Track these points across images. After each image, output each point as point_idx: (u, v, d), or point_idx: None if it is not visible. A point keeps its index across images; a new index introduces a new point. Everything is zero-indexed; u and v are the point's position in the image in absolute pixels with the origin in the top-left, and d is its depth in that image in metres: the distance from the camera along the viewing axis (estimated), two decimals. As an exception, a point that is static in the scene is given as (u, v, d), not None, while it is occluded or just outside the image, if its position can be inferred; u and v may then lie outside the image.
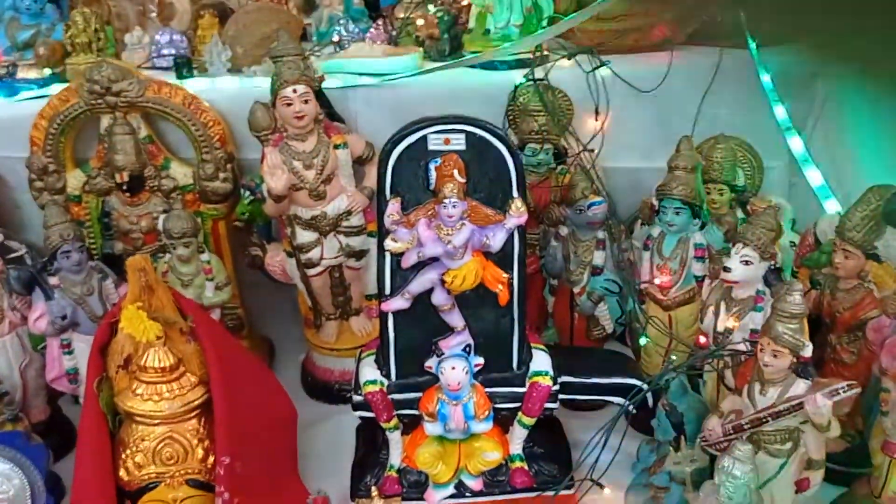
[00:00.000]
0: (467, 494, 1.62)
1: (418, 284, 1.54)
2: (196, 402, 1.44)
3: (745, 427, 1.33)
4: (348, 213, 1.86)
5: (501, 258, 1.54)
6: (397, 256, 1.53)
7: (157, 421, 1.42)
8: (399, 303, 1.55)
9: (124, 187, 1.88)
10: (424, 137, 1.46)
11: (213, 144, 1.90)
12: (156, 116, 1.92)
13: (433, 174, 1.48)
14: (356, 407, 1.61)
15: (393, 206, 1.49)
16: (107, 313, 1.54)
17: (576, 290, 1.84)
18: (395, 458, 1.63)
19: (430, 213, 1.49)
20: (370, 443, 1.70)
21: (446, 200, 1.45)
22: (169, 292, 1.48)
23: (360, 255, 1.92)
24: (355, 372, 1.66)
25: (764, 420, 1.31)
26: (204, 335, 1.49)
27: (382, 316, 1.58)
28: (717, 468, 1.29)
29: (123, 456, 1.43)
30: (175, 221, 1.75)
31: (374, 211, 1.91)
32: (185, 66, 2.09)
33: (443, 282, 1.51)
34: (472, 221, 1.49)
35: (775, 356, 1.31)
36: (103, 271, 1.76)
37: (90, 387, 1.46)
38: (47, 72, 2.11)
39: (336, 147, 1.83)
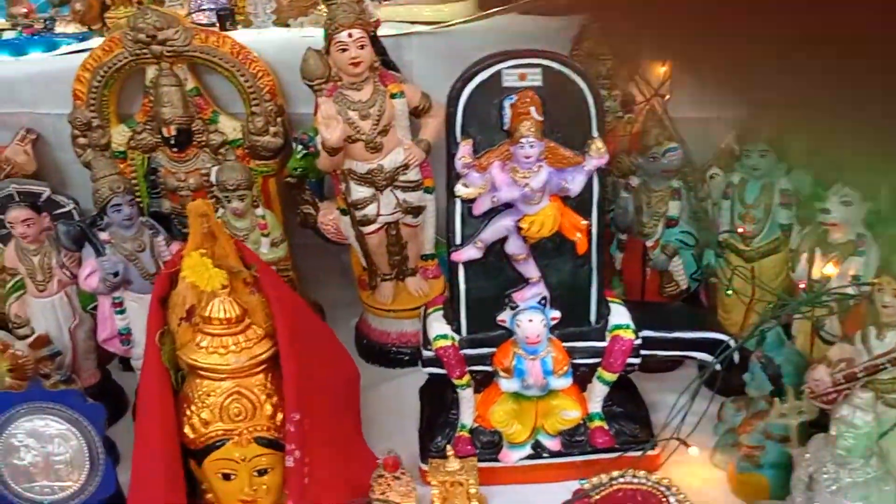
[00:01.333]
0: (545, 455, 1.54)
1: (492, 232, 1.45)
2: (263, 356, 1.36)
3: (860, 375, 1.24)
4: (405, 166, 1.78)
5: (579, 204, 1.46)
6: (468, 203, 1.45)
7: (223, 375, 1.34)
8: (471, 252, 1.47)
9: (172, 142, 1.80)
10: (498, 73, 1.38)
11: (263, 96, 1.82)
12: (203, 67, 1.83)
13: (507, 112, 1.39)
14: (426, 363, 1.52)
15: (464, 149, 1.41)
16: (166, 263, 1.47)
17: (649, 243, 1.75)
18: (467, 417, 1.55)
19: (504, 155, 1.41)
20: (438, 403, 1.62)
21: (523, 140, 1.36)
22: (231, 241, 1.40)
23: (417, 211, 1.83)
24: (422, 328, 1.58)
25: (881, 367, 1.22)
26: (268, 286, 1.41)
27: (453, 267, 1.50)
28: (835, 418, 1.20)
29: (188, 412, 1.35)
30: (229, 173, 1.66)
31: (430, 165, 1.83)
32: (228, 18, 2.01)
33: (519, 229, 1.43)
34: (548, 164, 1.40)
35: (896, 296, 1.23)
36: (154, 227, 1.68)
37: (151, 341, 1.38)
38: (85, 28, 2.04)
39: (393, 96, 1.74)
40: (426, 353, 1.52)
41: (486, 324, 1.51)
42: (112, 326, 1.68)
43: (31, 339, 1.58)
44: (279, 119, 1.84)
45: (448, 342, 1.49)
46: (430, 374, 1.68)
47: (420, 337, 1.58)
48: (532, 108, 1.36)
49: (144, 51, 1.77)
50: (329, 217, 1.88)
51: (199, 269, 1.32)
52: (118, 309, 1.66)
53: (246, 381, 1.36)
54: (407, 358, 1.92)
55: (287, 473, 1.36)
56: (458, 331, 1.52)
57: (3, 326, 1.76)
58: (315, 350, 1.47)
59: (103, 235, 1.62)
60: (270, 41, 1.90)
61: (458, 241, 1.47)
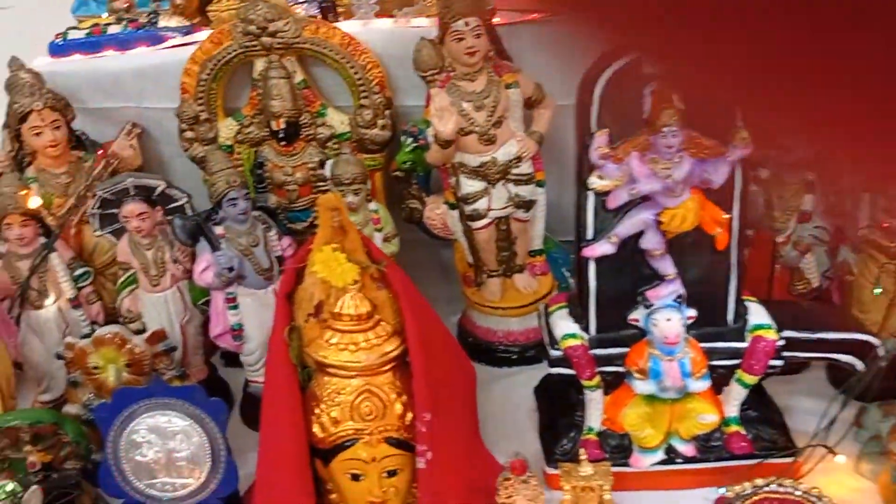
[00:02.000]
0: (678, 460, 1.47)
1: (628, 226, 1.39)
2: (392, 354, 1.31)
3: None
4: (518, 159, 1.72)
5: (718, 196, 1.39)
6: (602, 196, 1.39)
7: (353, 373, 1.30)
8: (604, 248, 1.41)
9: (280, 135, 1.77)
10: (639, 58, 1.31)
11: (372, 88, 1.78)
12: (311, 59, 1.80)
13: (648, 100, 1.33)
14: (553, 363, 1.47)
15: (600, 139, 1.35)
16: (293, 258, 1.43)
17: (779, 239, 1.66)
18: (595, 420, 1.48)
19: (642, 145, 1.34)
20: (559, 404, 1.56)
21: (665, 129, 1.30)
22: (359, 235, 1.36)
23: (528, 205, 1.77)
24: (545, 326, 1.52)
25: None
26: (396, 282, 1.37)
27: (582, 263, 1.44)
28: None
29: (317, 411, 1.32)
30: (344, 166, 1.62)
31: (542, 158, 1.77)
32: (330, 10, 1.97)
33: (658, 223, 1.36)
34: (690, 154, 1.33)
35: None
36: (266, 222, 1.65)
37: (277, 338, 1.35)
38: (187, 22, 2.02)
39: (508, 86, 1.69)
40: (553, 353, 1.46)
41: (616, 323, 1.44)
42: (225, 322, 1.65)
43: (147, 334, 1.56)
44: (387, 111, 1.80)
45: (577, 341, 1.43)
46: (548, 374, 1.64)
47: (544, 335, 1.52)
48: (675, 96, 1.29)
49: (254, 43, 1.74)
50: (436, 212, 1.83)
51: (332, 264, 1.28)
52: (231, 304, 1.63)
53: (376, 380, 1.32)
54: (514, 357, 1.87)
55: (418, 476, 1.32)
56: (586, 329, 1.46)
57: (113, 321, 1.75)
58: (439, 348, 1.43)
59: (218, 230, 1.60)
60: (378, 32, 1.86)
61: (589, 235, 1.41)
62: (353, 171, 1.62)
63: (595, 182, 1.36)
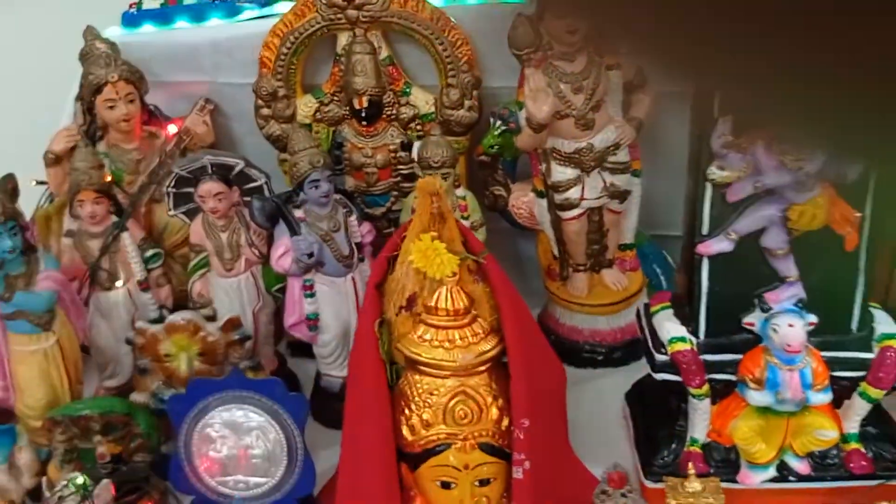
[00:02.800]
0: (791, 478, 1.35)
1: (750, 222, 1.27)
2: (490, 354, 1.22)
3: None
4: (616, 146, 1.61)
5: (848, 193, 1.26)
6: (721, 188, 1.27)
7: (447, 373, 1.21)
8: (722, 245, 1.29)
9: (362, 114, 1.67)
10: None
11: (461, 67, 1.67)
12: (398, 34, 1.69)
13: (779, 86, 1.20)
14: (658, 368, 1.35)
15: (724, 127, 1.23)
16: (385, 245, 1.34)
17: (903, 240, 1.53)
18: (700, 431, 1.37)
19: (770, 135, 1.22)
20: (657, 412, 1.45)
21: (798, 118, 1.17)
22: (456, 224, 1.26)
23: (623, 196, 1.66)
24: (647, 328, 1.41)
25: None
26: (494, 275, 1.27)
27: (695, 261, 1.32)
28: None
29: (407, 412, 1.23)
30: (433, 148, 1.52)
31: (640, 146, 1.66)
32: (413, -15, 1.87)
33: (785, 219, 1.24)
34: (822, 146, 1.21)
35: None
36: (347, 205, 1.56)
37: (365, 331, 1.26)
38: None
39: (609, 68, 1.57)
40: (659, 358, 1.35)
41: (729, 326, 1.33)
42: (301, 311, 1.56)
43: (222, 322, 1.48)
44: (475, 92, 1.69)
45: (686, 346, 1.32)
46: (642, 379, 1.53)
47: (646, 337, 1.41)
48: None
49: (339, 16, 1.65)
50: (522, 199, 1.72)
51: (430, 255, 1.18)
52: (308, 292, 1.55)
53: (471, 381, 1.22)
54: (600, 358, 1.76)
55: (514, 486, 1.22)
56: (695, 333, 1.34)
57: (182, 305, 1.68)
58: (535, 347, 1.33)
59: (298, 213, 1.51)
60: (467, 8, 1.75)
61: (705, 230, 1.29)
62: (444, 153, 1.52)
63: (715, 173, 1.24)
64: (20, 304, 1.41)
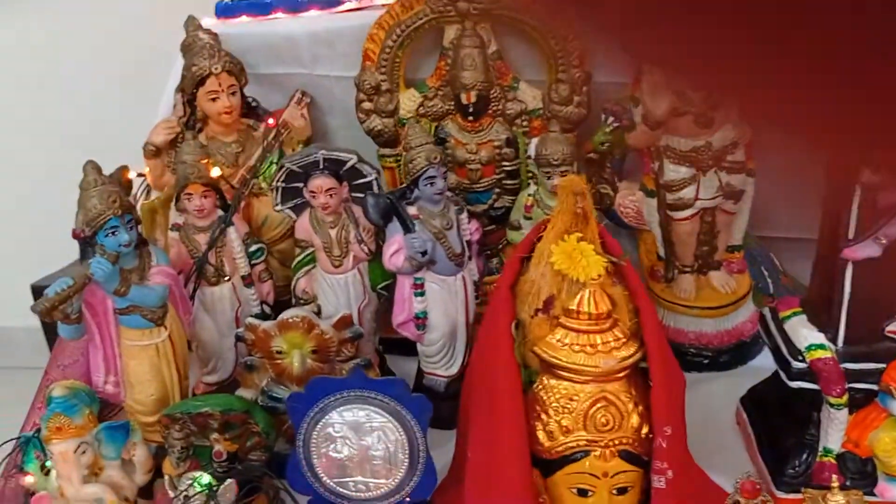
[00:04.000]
0: (933, 493, 1.31)
1: (902, 227, 1.22)
2: (631, 360, 1.18)
3: None
4: (734, 144, 1.56)
5: None
6: (871, 191, 1.22)
7: (588, 378, 1.17)
8: (869, 249, 1.24)
9: (469, 109, 1.63)
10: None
11: (571, 62, 1.63)
12: (506, 28, 1.65)
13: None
14: (795, 376, 1.31)
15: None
16: (518, 246, 1.30)
17: None
18: (835, 441, 1.32)
19: None
20: (783, 420, 1.41)
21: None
22: (596, 225, 1.22)
23: (738, 196, 1.61)
24: (778, 334, 1.36)
25: None
26: (632, 278, 1.23)
27: (837, 266, 1.27)
28: None
29: (544, 417, 1.19)
30: (554, 145, 1.49)
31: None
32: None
33: (940, 225, 1.20)
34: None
35: None
36: (458, 203, 1.53)
37: (500, 333, 1.22)
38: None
39: (729, 64, 1.52)
40: (796, 365, 1.30)
41: (870, 334, 1.28)
42: (409, 309, 1.53)
43: (334, 319, 1.45)
44: (584, 88, 1.65)
45: (827, 353, 1.28)
46: (759, 384, 1.49)
47: (778, 344, 1.36)
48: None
49: (449, 8, 1.61)
50: (630, 198, 1.68)
51: (575, 256, 1.14)
52: (418, 291, 1.52)
53: (611, 387, 1.18)
54: (706, 362, 1.71)
55: (655, 496, 1.19)
56: (833, 340, 1.30)
57: (282, 301, 1.66)
58: (668, 353, 1.29)
59: (411, 210, 1.48)
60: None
61: (851, 234, 1.25)
62: (564, 150, 1.48)
63: (871, 177, 1.19)
64: (135, 298, 1.40)
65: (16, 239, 3.20)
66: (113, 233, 1.35)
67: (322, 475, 1.35)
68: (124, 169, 1.49)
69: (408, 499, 1.34)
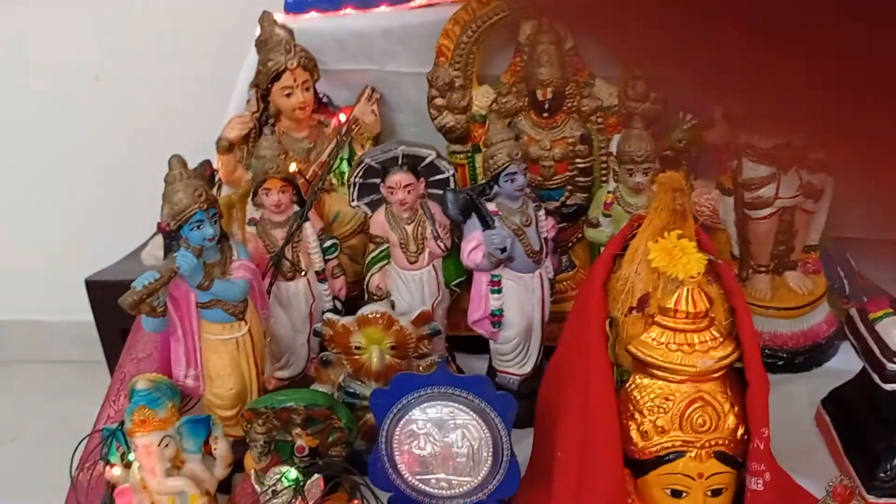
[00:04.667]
0: None
1: None
2: (728, 360, 1.16)
3: None
4: (816, 143, 1.54)
5: None
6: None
7: (684, 378, 1.15)
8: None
9: (545, 106, 1.62)
10: None
11: (648, 58, 1.61)
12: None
13: None
14: (891, 378, 1.29)
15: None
16: (610, 242, 1.29)
17: None
18: (928, 445, 1.30)
19: None
20: (871, 422, 1.38)
21: None
22: (692, 222, 1.20)
23: (818, 194, 1.59)
24: (868, 335, 1.34)
25: None
26: (728, 277, 1.21)
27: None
28: None
29: (637, 417, 1.18)
30: (636, 142, 1.47)
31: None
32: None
33: None
34: None
35: None
36: (536, 200, 1.52)
37: (593, 332, 1.21)
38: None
39: (813, 61, 1.50)
40: (891, 367, 1.28)
41: (969, 337, 1.26)
42: (486, 306, 1.52)
43: (414, 316, 1.45)
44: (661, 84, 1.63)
45: (924, 356, 1.25)
46: (842, 386, 1.46)
47: (869, 345, 1.34)
48: None
49: (526, 3, 1.60)
50: (705, 196, 1.66)
51: (676, 254, 1.13)
52: (495, 288, 1.51)
53: (706, 387, 1.17)
54: (780, 363, 1.69)
55: (752, 498, 1.17)
56: (929, 343, 1.28)
57: (355, 298, 1.66)
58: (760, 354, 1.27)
59: (491, 206, 1.47)
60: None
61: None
62: (647, 148, 1.47)
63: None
64: (217, 292, 1.40)
65: (66, 234, 3.22)
66: (198, 226, 1.35)
67: (404, 472, 1.34)
68: (208, 163, 1.49)
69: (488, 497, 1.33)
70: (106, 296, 2.48)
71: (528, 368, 1.57)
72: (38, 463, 3.04)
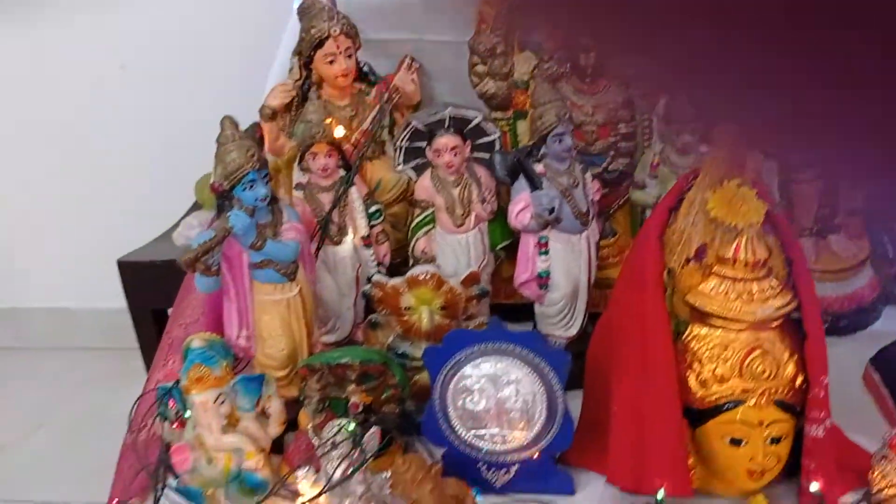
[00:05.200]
0: None
1: None
2: (786, 309, 1.17)
3: None
4: (860, 104, 1.54)
5: None
6: None
7: (743, 326, 1.16)
8: None
9: (588, 71, 1.63)
10: None
11: (691, 22, 1.62)
12: (625, -12, 1.65)
13: None
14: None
15: None
16: (666, 195, 1.30)
17: None
18: (982, 398, 1.31)
19: None
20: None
21: None
22: (750, 172, 1.21)
23: (862, 157, 1.59)
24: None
25: None
26: (784, 226, 1.22)
27: None
28: None
29: (696, 366, 1.18)
30: (684, 104, 1.47)
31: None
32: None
33: None
34: None
35: None
36: (584, 161, 1.53)
37: (651, 283, 1.22)
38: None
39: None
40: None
41: None
42: (532, 268, 1.53)
43: (463, 276, 1.45)
44: (703, 48, 1.64)
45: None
46: (891, 344, 1.46)
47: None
48: None
49: (569, -32, 1.60)
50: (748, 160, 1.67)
51: (736, 202, 1.13)
52: (542, 250, 1.51)
53: (766, 335, 1.17)
54: (825, 325, 1.68)
55: (812, 445, 1.17)
56: None
57: (402, 265, 1.67)
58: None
59: (538, 168, 1.48)
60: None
61: None
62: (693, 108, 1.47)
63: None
64: (270, 252, 1.41)
65: (93, 221, 3.23)
66: (251, 186, 1.36)
67: (458, 427, 1.35)
68: (257, 126, 1.50)
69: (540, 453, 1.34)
70: (137, 276, 2.50)
71: (573, 331, 1.58)
72: (67, 449, 3.07)
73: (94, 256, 3.32)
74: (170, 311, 2.55)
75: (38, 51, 2.93)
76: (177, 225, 2.52)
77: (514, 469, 1.35)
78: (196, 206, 2.52)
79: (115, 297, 3.39)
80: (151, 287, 2.49)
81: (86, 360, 3.60)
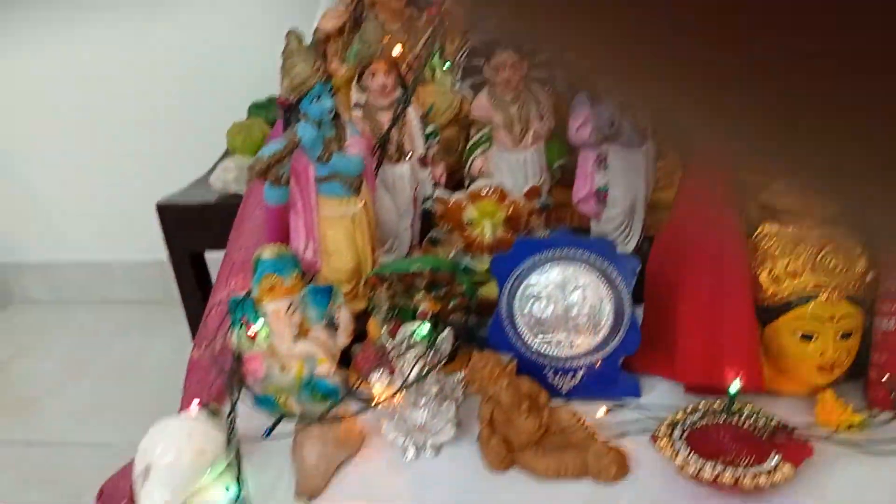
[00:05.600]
0: None
1: None
2: (858, 203, 1.18)
3: None
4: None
5: None
6: None
7: (814, 222, 1.18)
8: None
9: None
10: None
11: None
12: None
13: None
14: None
15: None
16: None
17: None
18: None
19: None
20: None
21: None
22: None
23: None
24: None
25: None
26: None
27: None
28: None
29: (768, 263, 1.20)
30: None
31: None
32: None
33: None
34: None
35: None
36: (641, 77, 1.53)
37: (711, 183, 1.23)
38: None
39: None
40: None
41: None
42: (591, 184, 1.55)
43: (526, 189, 1.47)
44: None
45: None
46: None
47: None
48: None
49: None
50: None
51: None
52: (603, 165, 1.53)
53: (839, 231, 1.19)
54: None
55: (882, 339, 1.19)
56: None
57: (456, 187, 1.68)
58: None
59: (598, 81, 1.48)
60: None
61: None
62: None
63: None
64: (336, 165, 1.43)
65: (125, 173, 3.25)
66: (317, 99, 1.38)
67: (524, 333, 1.37)
68: (321, 41, 1.51)
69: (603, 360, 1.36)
70: (176, 219, 2.53)
71: (630, 246, 1.59)
72: (103, 396, 3.11)
73: (126, 210, 3.35)
74: (207, 254, 2.58)
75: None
76: (212, 171, 2.54)
77: (580, 374, 1.37)
78: (227, 154, 2.54)
79: (147, 251, 3.42)
80: (190, 230, 2.52)
81: (119, 313, 3.65)
